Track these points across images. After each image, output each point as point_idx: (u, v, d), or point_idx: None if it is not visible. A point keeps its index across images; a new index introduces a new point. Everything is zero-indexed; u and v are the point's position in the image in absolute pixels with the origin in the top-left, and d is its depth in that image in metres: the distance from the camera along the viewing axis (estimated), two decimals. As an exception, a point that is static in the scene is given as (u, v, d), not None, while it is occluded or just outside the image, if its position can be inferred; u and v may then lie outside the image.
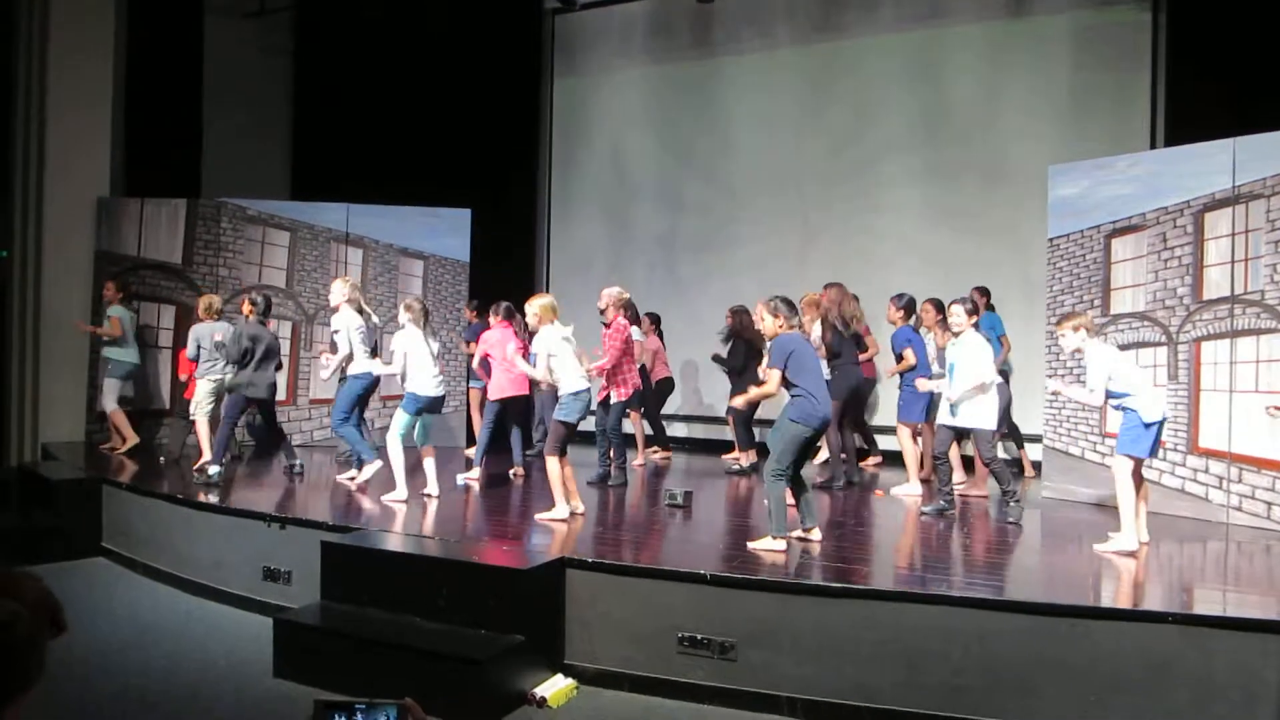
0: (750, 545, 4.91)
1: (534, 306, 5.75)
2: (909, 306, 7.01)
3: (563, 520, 5.57)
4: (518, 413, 7.60)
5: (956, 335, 6.04)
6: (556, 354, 5.66)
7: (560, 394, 5.70)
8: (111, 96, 9.17)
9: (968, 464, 7.16)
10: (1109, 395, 5.09)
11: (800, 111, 9.62)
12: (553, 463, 5.64)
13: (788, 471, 4.96)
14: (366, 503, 6.22)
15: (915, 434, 7.05)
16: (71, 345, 8.81)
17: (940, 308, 6.82)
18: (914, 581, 4.51)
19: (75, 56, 8.91)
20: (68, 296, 8.83)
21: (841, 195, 9.40)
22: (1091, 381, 5.06)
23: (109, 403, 8.27)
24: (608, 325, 6.76)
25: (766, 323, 5.04)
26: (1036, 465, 7.68)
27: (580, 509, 5.80)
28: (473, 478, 7.15)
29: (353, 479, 6.75)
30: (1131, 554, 4.91)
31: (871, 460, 8.39)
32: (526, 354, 7.20)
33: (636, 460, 8.19)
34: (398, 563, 4.82)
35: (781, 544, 4.84)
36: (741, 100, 9.89)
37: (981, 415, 5.90)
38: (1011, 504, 5.85)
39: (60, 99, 8.84)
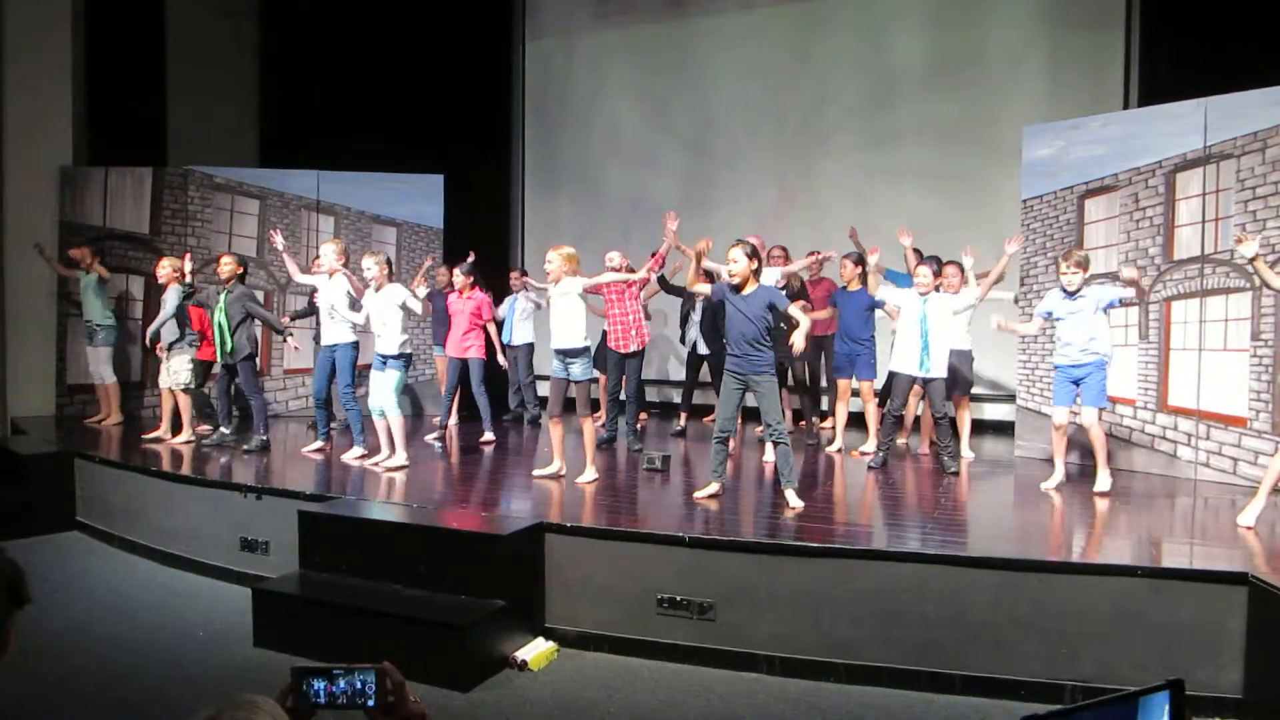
0: (794, 506, 5.01)
1: (558, 256, 5.67)
2: (860, 262, 7.11)
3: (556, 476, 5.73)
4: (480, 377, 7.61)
5: (923, 295, 6.13)
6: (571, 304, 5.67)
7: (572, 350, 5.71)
8: (72, 62, 8.93)
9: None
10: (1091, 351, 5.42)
11: (776, 72, 9.55)
12: (589, 424, 5.77)
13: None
14: (343, 471, 6.20)
15: (871, 392, 7.17)
16: (39, 317, 8.67)
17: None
18: (888, 540, 4.57)
19: (34, 22, 8.66)
20: (32, 268, 8.64)
21: (819, 157, 9.37)
22: (1111, 293, 5.50)
23: (106, 374, 8.20)
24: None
25: (740, 264, 5.09)
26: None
27: (562, 470, 5.88)
28: (488, 440, 7.41)
29: (320, 450, 6.72)
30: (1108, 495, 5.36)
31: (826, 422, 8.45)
32: (484, 313, 7.54)
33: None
34: (376, 531, 4.82)
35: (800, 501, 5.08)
36: (717, 60, 9.80)
37: (943, 368, 6.17)
38: (946, 458, 6.16)
39: (19, 66, 8.60)
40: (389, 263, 6.47)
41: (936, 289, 6.17)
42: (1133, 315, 6.39)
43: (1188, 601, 3.75)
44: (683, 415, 8.14)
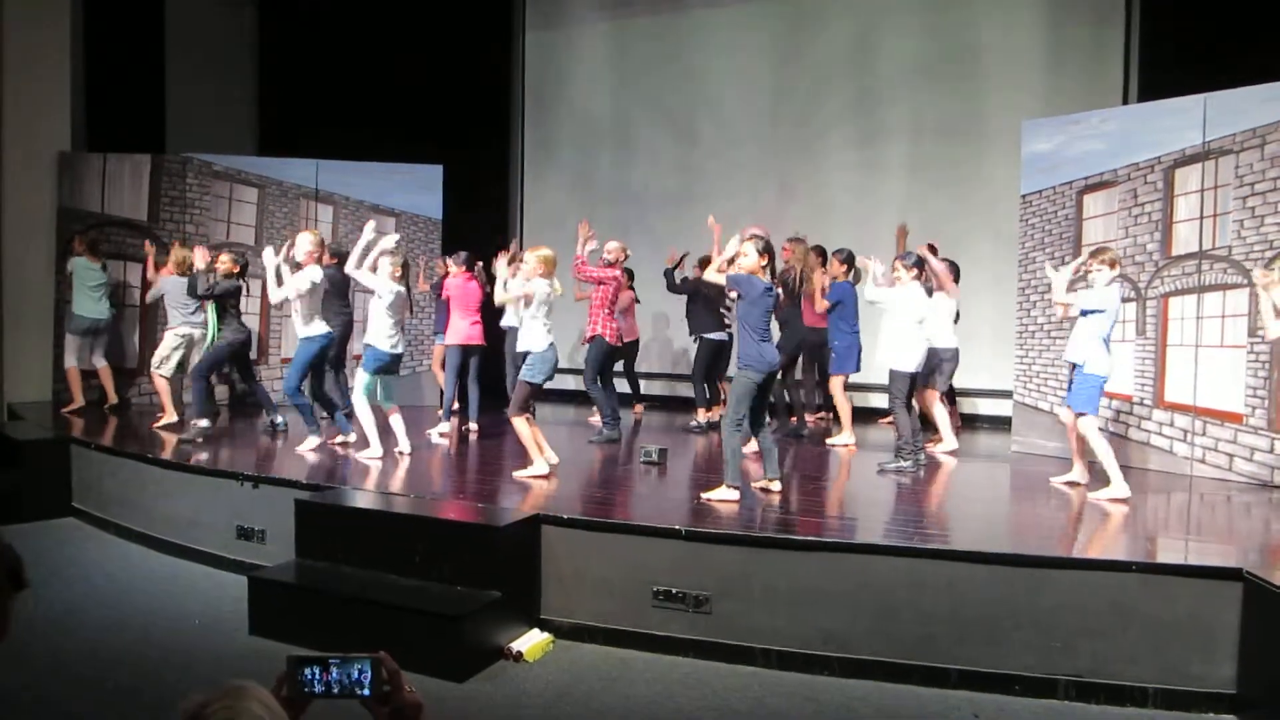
0: (704, 495, 4.99)
1: (533, 257, 5.67)
2: (849, 260, 7.11)
3: (542, 476, 5.59)
4: (478, 366, 7.54)
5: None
6: (541, 302, 5.60)
7: (529, 353, 5.68)
8: (71, 48, 8.88)
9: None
10: (1084, 347, 5.23)
11: (775, 64, 9.52)
12: (519, 423, 5.64)
13: (743, 420, 5.04)
14: (340, 461, 6.19)
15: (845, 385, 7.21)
16: (36, 303, 8.64)
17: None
18: (884, 533, 4.57)
19: (33, 7, 8.60)
20: (30, 254, 8.61)
21: (818, 149, 9.35)
22: (1090, 303, 5.15)
23: (67, 359, 8.23)
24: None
25: (750, 259, 5.04)
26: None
27: (555, 460, 5.81)
28: (445, 432, 7.18)
29: (345, 444, 6.61)
30: (1125, 501, 5.09)
31: (817, 416, 8.44)
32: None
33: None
34: (372, 520, 4.81)
35: (734, 493, 4.92)
36: (716, 52, 9.77)
37: (896, 359, 6.08)
38: (899, 456, 5.96)
39: (18, 51, 8.53)
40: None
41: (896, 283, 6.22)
42: (1130, 311, 6.39)
43: (1182, 597, 3.75)
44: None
